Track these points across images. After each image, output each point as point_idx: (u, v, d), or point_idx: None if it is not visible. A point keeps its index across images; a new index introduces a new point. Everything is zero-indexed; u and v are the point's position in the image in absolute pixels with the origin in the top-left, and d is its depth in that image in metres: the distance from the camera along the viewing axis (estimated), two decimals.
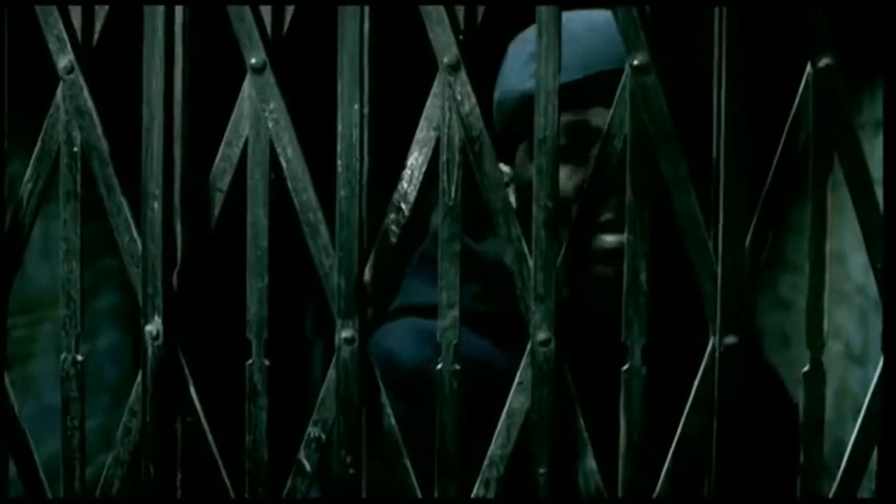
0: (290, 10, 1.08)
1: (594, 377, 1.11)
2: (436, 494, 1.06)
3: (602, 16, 1.25)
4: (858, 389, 3.39)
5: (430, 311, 1.33)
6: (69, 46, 1.10)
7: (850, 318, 3.46)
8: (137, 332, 1.09)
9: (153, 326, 1.09)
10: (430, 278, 1.31)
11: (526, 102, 1.29)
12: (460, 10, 1.05)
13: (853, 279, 3.41)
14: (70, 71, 1.11)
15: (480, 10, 1.06)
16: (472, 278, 1.27)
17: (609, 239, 1.24)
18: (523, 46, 1.34)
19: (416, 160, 1.06)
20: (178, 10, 1.09)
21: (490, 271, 1.26)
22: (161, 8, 1.08)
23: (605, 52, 1.24)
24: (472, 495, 1.06)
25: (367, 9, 1.05)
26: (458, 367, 1.05)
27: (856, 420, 1.05)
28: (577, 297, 1.28)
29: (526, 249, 1.04)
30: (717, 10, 1.02)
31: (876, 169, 1.03)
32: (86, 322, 1.13)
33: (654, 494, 1.04)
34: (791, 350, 4.22)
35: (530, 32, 1.33)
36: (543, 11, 1.02)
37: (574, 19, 1.29)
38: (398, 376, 1.26)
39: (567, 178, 1.24)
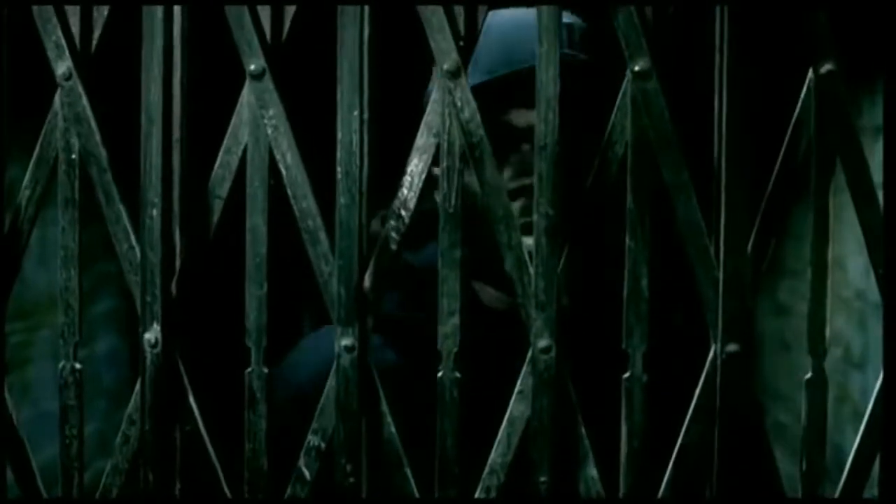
0: (289, 16, 1.08)
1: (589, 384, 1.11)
2: None
3: (528, 12, 1.24)
4: (858, 395, 3.38)
5: None
6: (67, 53, 1.10)
7: (849, 324, 3.45)
8: (134, 336, 1.08)
9: (152, 334, 1.08)
10: None
11: None
12: (460, 17, 1.05)
13: (852, 284, 3.40)
14: (68, 78, 1.10)
15: (481, 16, 1.06)
16: (398, 285, 1.27)
17: (528, 242, 1.23)
18: None
19: (415, 167, 1.06)
20: (177, 17, 1.08)
21: (416, 278, 1.26)
22: (160, 15, 1.07)
23: (529, 47, 1.24)
24: None
25: (366, 14, 1.05)
26: (458, 374, 1.04)
27: (855, 426, 1.05)
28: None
29: (526, 257, 1.04)
30: (718, 10, 1.01)
31: (876, 173, 1.03)
32: (83, 327, 1.12)
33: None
34: (790, 356, 4.21)
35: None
36: (545, 15, 1.02)
37: (499, 17, 1.29)
38: (289, 390, 1.26)
39: None
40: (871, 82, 3.06)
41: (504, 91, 1.25)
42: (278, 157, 1.07)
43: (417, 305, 1.28)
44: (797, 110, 1.03)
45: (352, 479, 1.06)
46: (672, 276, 1.15)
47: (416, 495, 1.06)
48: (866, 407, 1.05)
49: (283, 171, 1.07)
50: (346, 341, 1.05)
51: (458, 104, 1.04)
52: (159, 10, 1.07)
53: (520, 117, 1.25)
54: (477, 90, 1.28)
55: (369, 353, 1.06)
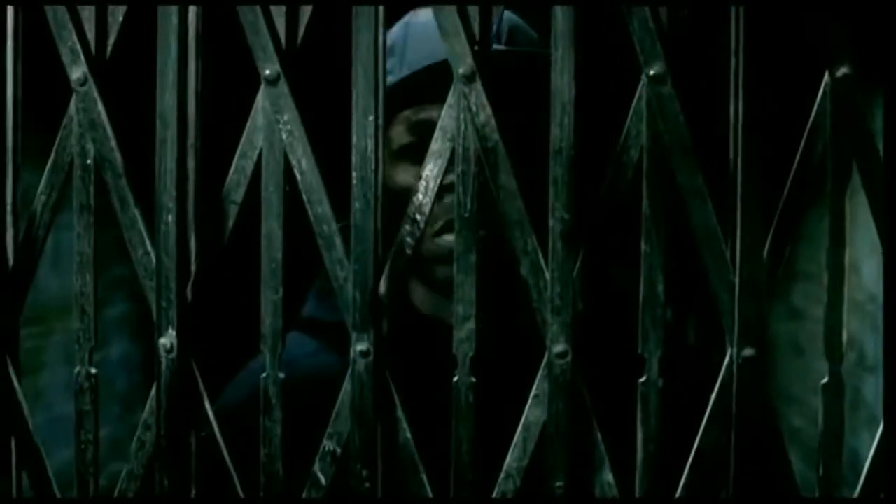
0: (304, 20, 1.08)
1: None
2: None
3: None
4: (872, 399, 3.37)
5: (315, 326, 1.33)
6: (82, 58, 1.10)
7: (863, 327, 3.44)
8: (147, 341, 1.08)
9: (167, 339, 1.08)
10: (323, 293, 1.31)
11: None
12: (475, 21, 1.05)
13: (866, 287, 3.39)
14: (83, 83, 1.10)
15: (495, 20, 1.06)
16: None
17: (450, 239, 1.23)
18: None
19: (431, 171, 1.06)
20: (192, 21, 1.08)
21: None
22: (175, 20, 1.07)
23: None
24: None
25: (381, 18, 1.05)
26: (473, 379, 1.04)
27: (870, 429, 1.05)
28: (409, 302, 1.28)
29: (542, 261, 1.03)
30: (733, 13, 1.01)
31: None
32: (98, 332, 1.12)
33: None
34: (804, 360, 4.20)
35: (392, 30, 1.34)
36: (559, 19, 1.02)
37: (418, 17, 1.29)
38: (239, 397, 1.26)
39: (415, 176, 1.24)
40: (882, 86, 3.05)
41: (422, 87, 1.25)
42: (293, 162, 1.07)
43: None
44: (813, 114, 1.03)
45: (367, 485, 1.06)
46: (684, 283, 1.15)
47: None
48: (881, 411, 1.05)
49: (298, 176, 1.07)
50: (361, 346, 1.05)
51: (474, 108, 1.04)
52: (174, 15, 1.07)
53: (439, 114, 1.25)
54: (399, 87, 1.28)
55: (383, 358, 1.06)
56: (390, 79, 1.30)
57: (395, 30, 1.35)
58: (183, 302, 1.09)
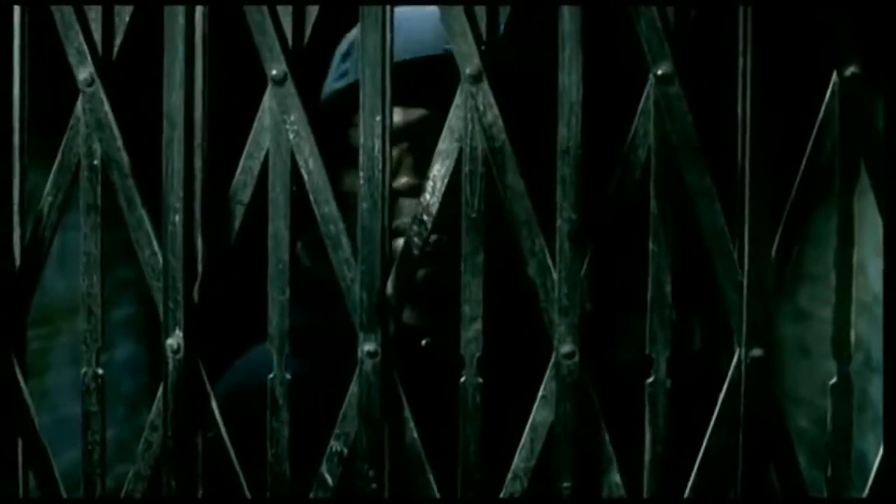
0: (310, 21, 1.08)
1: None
2: None
3: (415, 9, 1.24)
4: (879, 400, 3.37)
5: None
6: (89, 59, 1.10)
7: (869, 328, 3.44)
8: (152, 342, 1.09)
9: (174, 340, 1.08)
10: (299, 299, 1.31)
11: (332, 102, 1.30)
12: (482, 21, 1.05)
13: (872, 288, 3.39)
14: (90, 83, 1.10)
15: (503, 20, 1.05)
16: (308, 298, 1.26)
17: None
18: (339, 47, 1.34)
19: (438, 171, 1.06)
20: (199, 22, 1.08)
21: (325, 290, 1.18)
22: (181, 20, 1.07)
23: (404, 43, 1.23)
24: None
25: (388, 18, 1.05)
26: (480, 380, 1.04)
27: (877, 431, 1.05)
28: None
29: (550, 262, 1.03)
30: (741, 13, 1.01)
31: None
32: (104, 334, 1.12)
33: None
34: (810, 361, 4.20)
35: (351, 34, 1.33)
36: (567, 21, 1.02)
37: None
38: (236, 382, 1.25)
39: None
40: (881, 87, 3.04)
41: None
42: (300, 162, 1.07)
43: (328, 317, 1.23)
44: (821, 113, 1.03)
45: (374, 485, 1.06)
46: (688, 286, 1.15)
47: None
48: None
49: (306, 177, 1.07)
50: (368, 347, 1.05)
51: (481, 108, 1.04)
52: (181, 15, 1.07)
53: (396, 115, 1.25)
54: (349, 91, 1.27)
55: (390, 359, 1.06)
56: (344, 81, 1.30)
57: (354, 31, 1.34)
58: (190, 302, 1.08)
